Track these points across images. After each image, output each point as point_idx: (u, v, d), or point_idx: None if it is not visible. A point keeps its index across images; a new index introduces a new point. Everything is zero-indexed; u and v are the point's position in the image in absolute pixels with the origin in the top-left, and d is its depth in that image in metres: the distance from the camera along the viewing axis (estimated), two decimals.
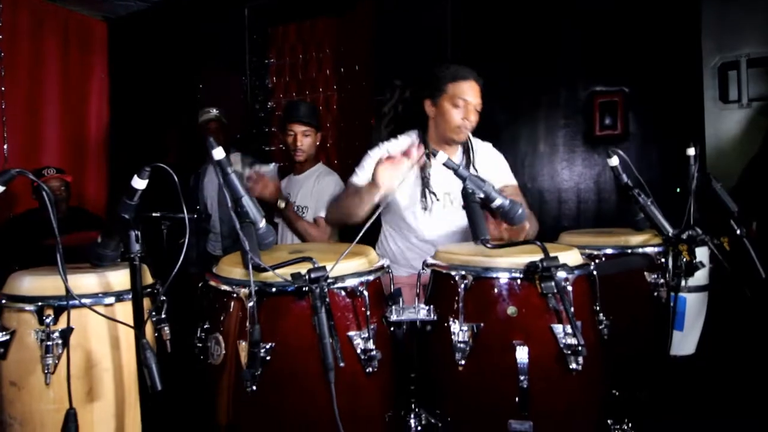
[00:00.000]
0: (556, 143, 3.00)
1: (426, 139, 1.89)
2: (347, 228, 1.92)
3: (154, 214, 2.02)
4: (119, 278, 1.23)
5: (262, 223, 1.10)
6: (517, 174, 2.00)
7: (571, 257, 1.29)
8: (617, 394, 1.58)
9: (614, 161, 1.58)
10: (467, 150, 1.91)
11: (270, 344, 1.10)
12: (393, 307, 1.27)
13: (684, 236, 1.45)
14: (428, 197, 1.84)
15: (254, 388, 1.09)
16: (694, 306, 1.82)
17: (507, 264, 1.23)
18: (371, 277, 1.23)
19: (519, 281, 1.21)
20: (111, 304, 1.20)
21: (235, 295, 1.17)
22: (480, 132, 1.90)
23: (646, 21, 2.74)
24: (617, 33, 2.79)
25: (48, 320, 1.12)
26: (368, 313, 1.17)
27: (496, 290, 1.22)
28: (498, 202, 1.26)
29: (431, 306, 1.30)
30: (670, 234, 1.47)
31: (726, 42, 2.61)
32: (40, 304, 1.14)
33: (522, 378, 1.15)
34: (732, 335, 2.02)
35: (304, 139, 2.35)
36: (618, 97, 2.83)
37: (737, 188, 2.37)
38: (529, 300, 1.21)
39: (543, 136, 3.02)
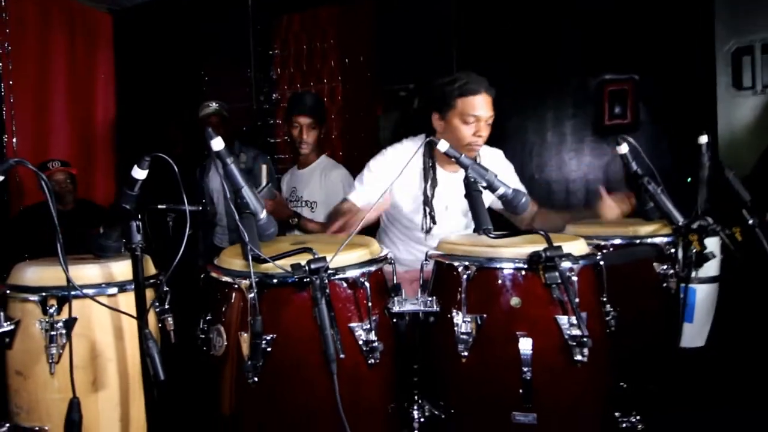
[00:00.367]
0: (564, 133, 2.95)
1: (432, 153, 1.79)
2: None
3: (159, 207, 2.03)
4: (122, 269, 1.23)
5: (263, 214, 1.09)
6: (524, 164, 1.97)
7: (577, 247, 1.27)
8: (625, 386, 1.56)
9: (623, 149, 1.54)
10: (474, 157, 1.86)
11: (271, 335, 1.10)
12: (395, 298, 1.26)
13: (694, 226, 1.41)
14: (430, 208, 1.77)
15: (256, 379, 1.09)
16: (704, 297, 1.79)
17: (510, 254, 1.21)
18: (373, 268, 1.22)
19: (522, 271, 1.19)
20: (114, 295, 1.20)
21: (236, 286, 1.17)
22: None
23: (657, 5, 2.67)
24: (628, 19, 2.72)
25: (51, 310, 1.13)
26: (370, 304, 1.16)
27: (499, 281, 1.21)
28: (501, 190, 1.24)
29: (434, 297, 1.28)
30: (680, 223, 1.43)
31: (740, 26, 2.53)
32: (43, 294, 1.14)
33: (525, 370, 1.14)
34: (743, 327, 1.99)
35: (310, 132, 2.31)
36: (628, 86, 2.78)
37: (750, 177, 2.31)
38: (532, 291, 1.19)
39: (551, 126, 2.97)
